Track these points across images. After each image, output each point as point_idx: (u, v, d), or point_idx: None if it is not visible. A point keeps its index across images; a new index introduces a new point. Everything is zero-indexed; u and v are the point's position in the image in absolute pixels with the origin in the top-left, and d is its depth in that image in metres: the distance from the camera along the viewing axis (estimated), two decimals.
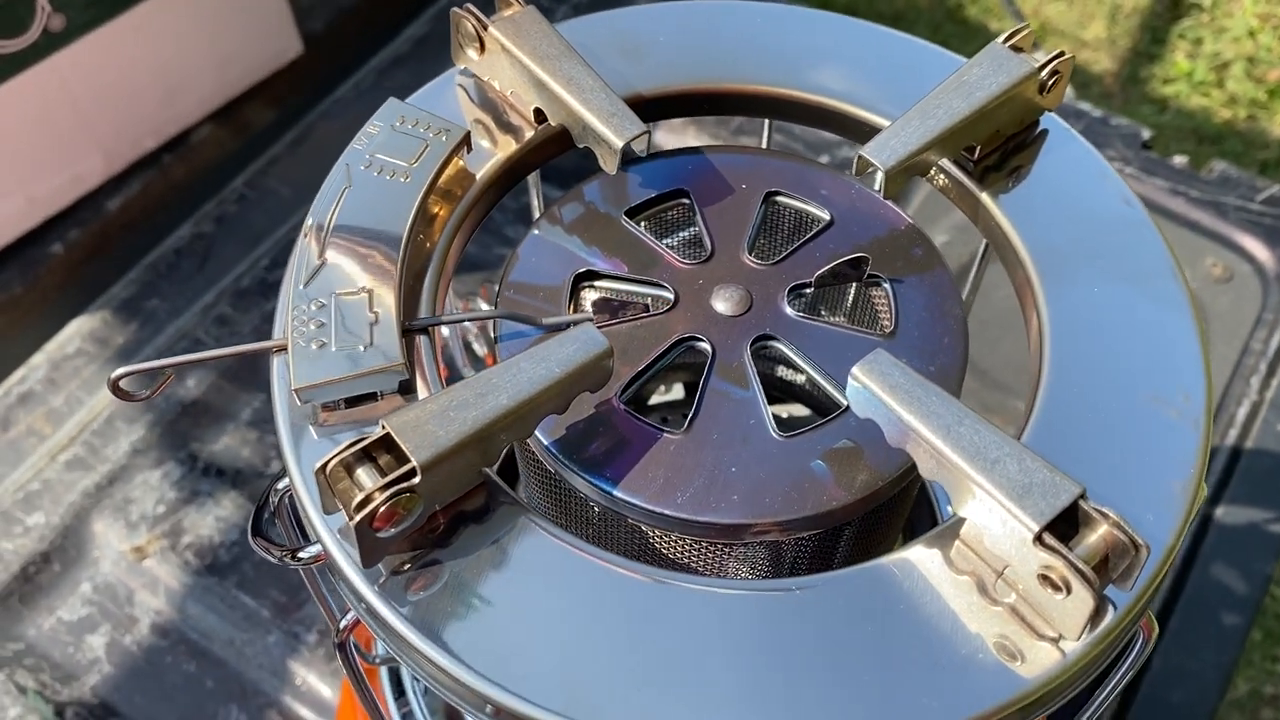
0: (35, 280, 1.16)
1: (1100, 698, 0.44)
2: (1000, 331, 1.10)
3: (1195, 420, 0.43)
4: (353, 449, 0.38)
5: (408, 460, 0.38)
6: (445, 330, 0.70)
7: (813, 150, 1.29)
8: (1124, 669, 0.44)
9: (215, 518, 1.05)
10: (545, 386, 0.40)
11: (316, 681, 0.97)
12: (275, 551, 0.44)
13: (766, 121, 0.60)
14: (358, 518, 0.37)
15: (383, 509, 0.37)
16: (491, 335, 0.48)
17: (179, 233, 1.23)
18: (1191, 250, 1.20)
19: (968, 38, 1.89)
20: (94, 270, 1.20)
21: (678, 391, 0.70)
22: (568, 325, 0.47)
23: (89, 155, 1.18)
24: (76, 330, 1.15)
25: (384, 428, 0.39)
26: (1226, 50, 1.95)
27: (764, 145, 0.61)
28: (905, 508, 0.52)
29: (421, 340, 0.45)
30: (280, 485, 0.45)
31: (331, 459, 0.38)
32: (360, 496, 0.37)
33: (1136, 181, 1.24)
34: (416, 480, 0.38)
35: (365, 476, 0.38)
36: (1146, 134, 1.33)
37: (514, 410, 0.40)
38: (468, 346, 0.76)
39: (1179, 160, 1.30)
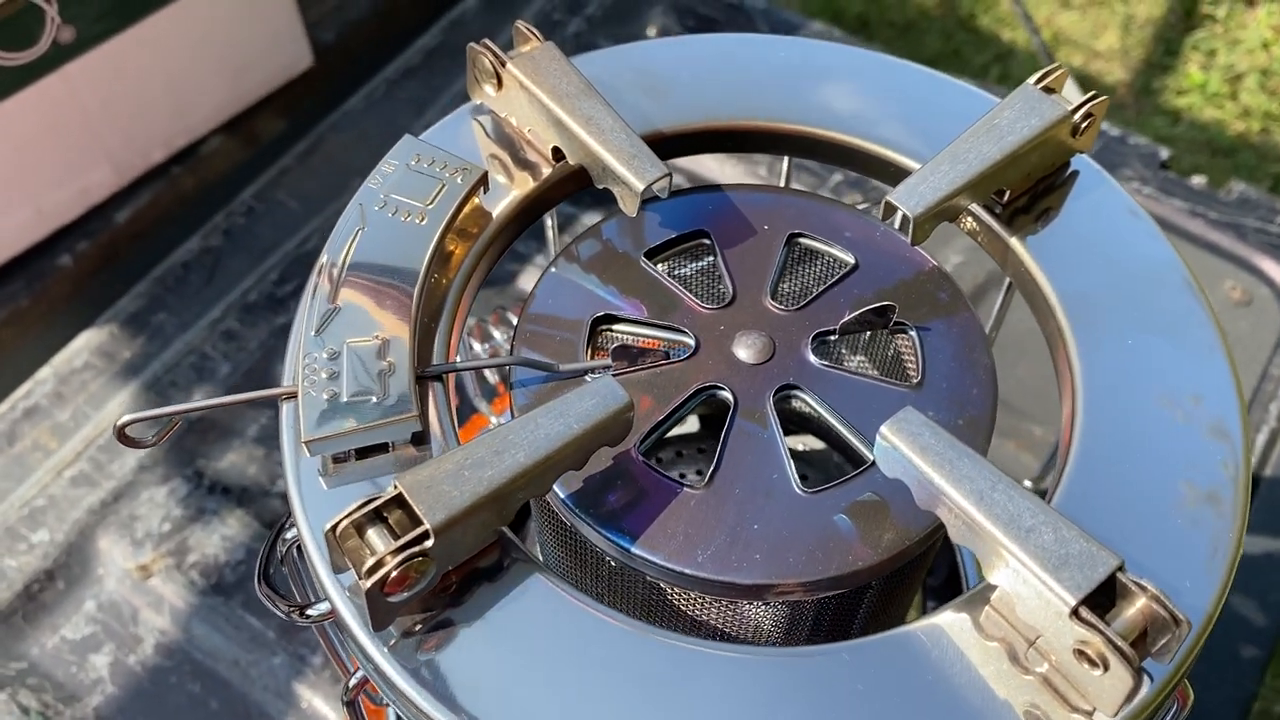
0: (43, 293, 1.16)
1: None
2: (1017, 355, 1.08)
3: (1233, 484, 0.42)
4: (363, 510, 0.37)
5: (420, 522, 0.37)
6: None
7: (817, 178, 1.27)
8: None
9: (221, 536, 1.04)
10: (564, 443, 0.39)
11: (321, 704, 0.95)
12: (282, 606, 0.43)
13: (787, 159, 0.59)
14: (369, 583, 0.36)
15: (395, 574, 0.36)
16: (508, 374, 0.47)
17: (187, 245, 1.22)
18: (1210, 273, 1.18)
19: (980, 46, 1.88)
20: (102, 283, 1.19)
21: (693, 423, 0.68)
22: (585, 373, 0.45)
23: (98, 167, 1.17)
24: (84, 344, 1.14)
25: (396, 488, 0.37)
26: (1240, 62, 1.93)
27: (783, 183, 0.59)
28: (927, 564, 0.51)
29: (436, 388, 0.44)
30: (289, 535, 0.44)
31: (342, 520, 0.37)
32: (372, 561, 0.36)
33: (1155, 202, 1.23)
34: (430, 544, 0.37)
35: (376, 538, 0.37)
36: (1165, 154, 1.32)
37: (531, 469, 0.39)
38: (480, 376, 0.75)
39: (1197, 180, 1.29)
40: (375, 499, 0.37)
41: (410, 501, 0.37)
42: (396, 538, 0.37)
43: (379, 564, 0.36)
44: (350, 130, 1.31)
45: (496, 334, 0.76)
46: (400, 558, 0.36)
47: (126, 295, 1.18)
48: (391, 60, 1.37)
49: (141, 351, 1.14)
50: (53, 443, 1.08)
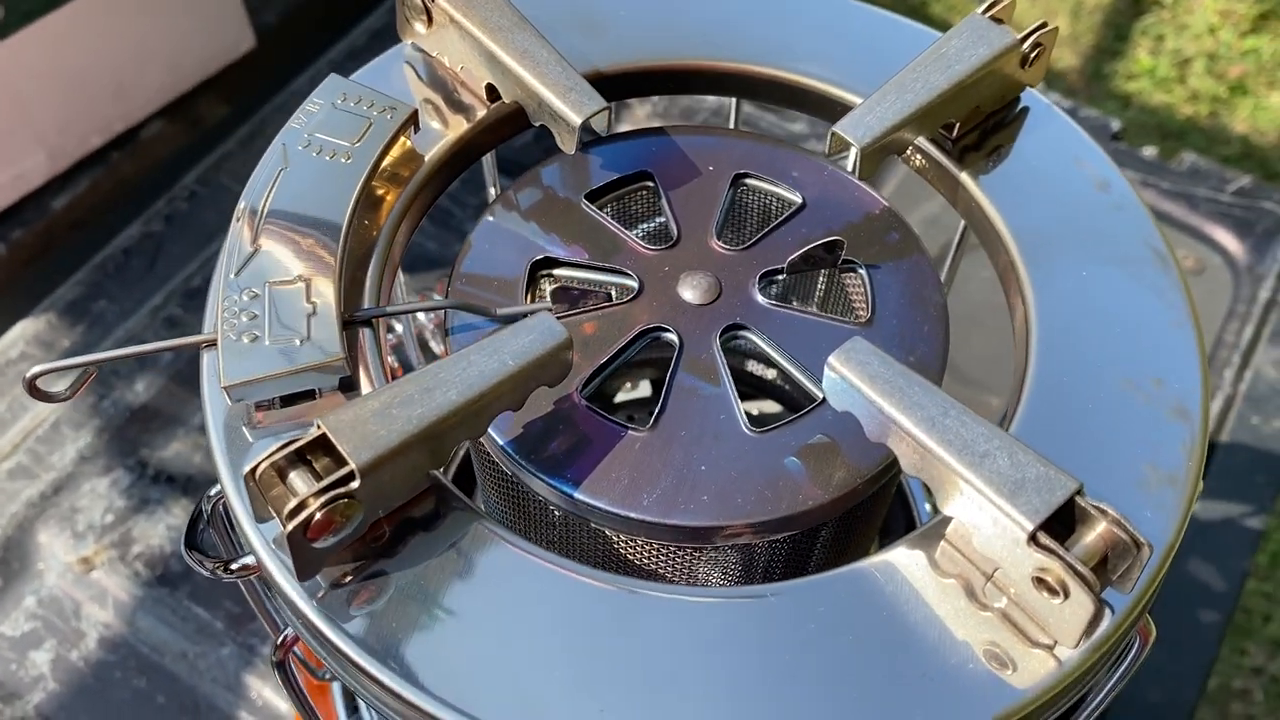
0: None
1: (1093, 705, 0.41)
2: (971, 325, 1.08)
3: (1191, 411, 0.41)
4: (284, 451, 0.35)
5: (345, 463, 0.35)
6: (399, 326, 0.66)
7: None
8: (1119, 675, 0.41)
9: (166, 526, 1.01)
10: (498, 380, 0.37)
11: (272, 696, 0.93)
12: (207, 564, 0.41)
13: (733, 101, 0.57)
14: (290, 526, 0.34)
15: (319, 516, 0.34)
16: (445, 330, 0.45)
17: (128, 232, 1.19)
18: None
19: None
20: (39, 272, 1.15)
21: (644, 389, 0.67)
22: (524, 316, 0.44)
23: (32, 153, 1.14)
24: (20, 334, 1.10)
25: (319, 427, 0.35)
26: (1188, 47, 1.95)
27: (732, 125, 0.58)
28: (883, 507, 0.50)
29: (366, 335, 0.42)
30: (213, 492, 0.42)
31: (262, 462, 0.35)
32: (294, 503, 0.34)
33: None
34: (355, 485, 0.35)
35: (299, 481, 0.35)
36: (1116, 125, 1.32)
37: (464, 406, 0.37)
38: (424, 345, 0.73)
39: (1149, 152, 1.29)
40: (296, 440, 0.35)
41: (334, 441, 0.35)
42: (320, 480, 0.35)
43: (301, 505, 0.34)
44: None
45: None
46: (324, 499, 0.34)
47: (65, 284, 1.15)
48: (336, 42, 1.34)
49: (81, 340, 1.11)
50: None
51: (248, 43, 1.27)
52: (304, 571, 0.36)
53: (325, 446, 0.36)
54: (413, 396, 0.36)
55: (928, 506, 0.61)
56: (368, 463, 0.35)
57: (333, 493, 0.34)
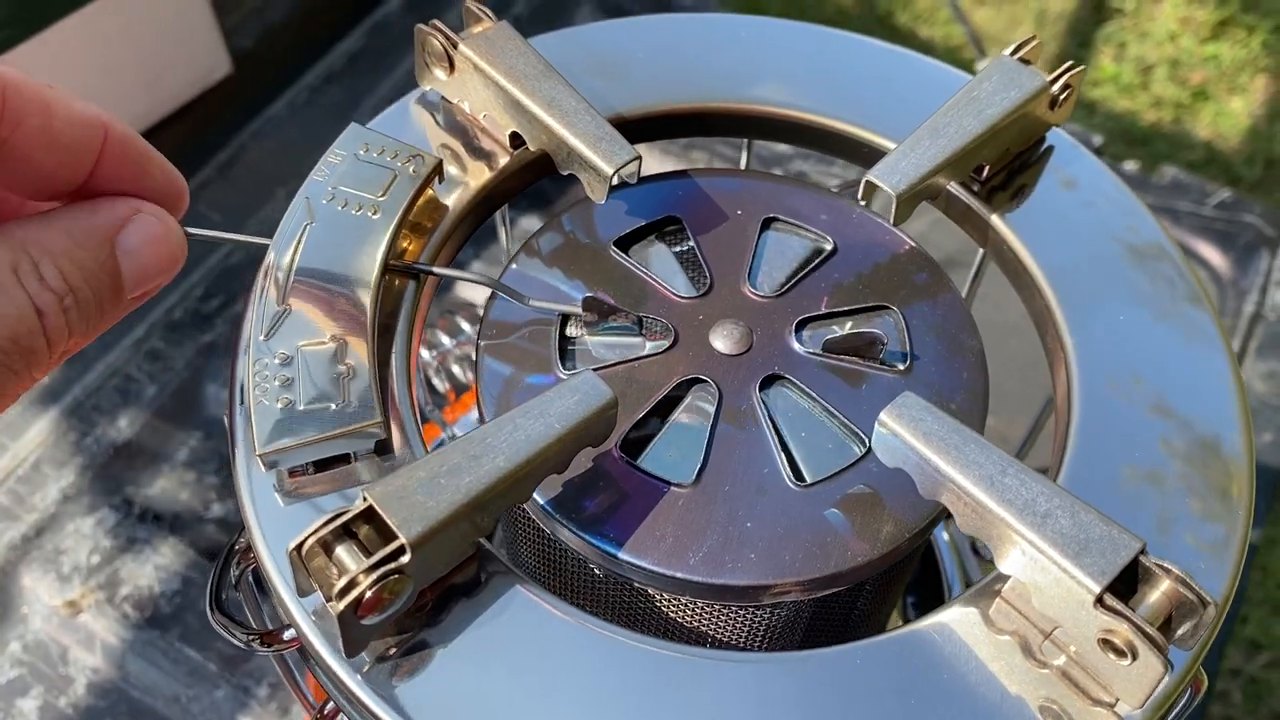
0: None
1: None
2: None
3: (1238, 457, 0.40)
4: (330, 526, 0.34)
5: (395, 537, 0.34)
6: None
7: (762, 164, 1.26)
8: None
9: (155, 566, 0.99)
10: (545, 444, 0.36)
11: None
12: (240, 635, 0.39)
13: (745, 141, 0.56)
14: (341, 606, 0.33)
15: (369, 594, 0.33)
16: (462, 375, 0.44)
17: None
18: None
19: (898, 44, 1.89)
20: None
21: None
22: (556, 311, 0.43)
23: None
24: None
25: (366, 500, 0.34)
26: (1150, 54, 1.97)
27: (744, 166, 0.57)
28: (916, 560, 0.49)
29: (398, 388, 0.41)
30: (239, 550, 0.41)
31: (307, 538, 0.33)
32: (343, 582, 0.33)
33: None
34: (406, 559, 0.33)
35: (346, 556, 0.34)
36: (1098, 140, 1.33)
37: (512, 473, 0.36)
38: (427, 382, 0.72)
39: (1130, 166, 1.30)
40: (343, 513, 0.34)
41: (382, 514, 0.34)
42: (368, 554, 0.33)
43: (351, 584, 0.33)
44: (272, 138, 1.26)
45: (445, 340, 0.73)
46: (374, 576, 0.33)
47: None
48: (313, 65, 1.32)
49: (60, 375, 1.08)
50: None
51: (224, 68, 1.26)
52: (352, 649, 0.34)
53: (371, 517, 0.34)
54: (460, 465, 0.35)
55: (955, 568, 0.61)
56: (418, 536, 0.33)
57: (383, 569, 0.33)
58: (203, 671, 0.94)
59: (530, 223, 1.13)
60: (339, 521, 0.34)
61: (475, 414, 0.63)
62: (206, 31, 1.21)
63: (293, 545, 0.34)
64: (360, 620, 0.34)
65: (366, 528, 0.35)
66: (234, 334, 0.42)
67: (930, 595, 0.63)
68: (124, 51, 1.15)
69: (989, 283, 0.54)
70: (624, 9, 1.39)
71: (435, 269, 0.44)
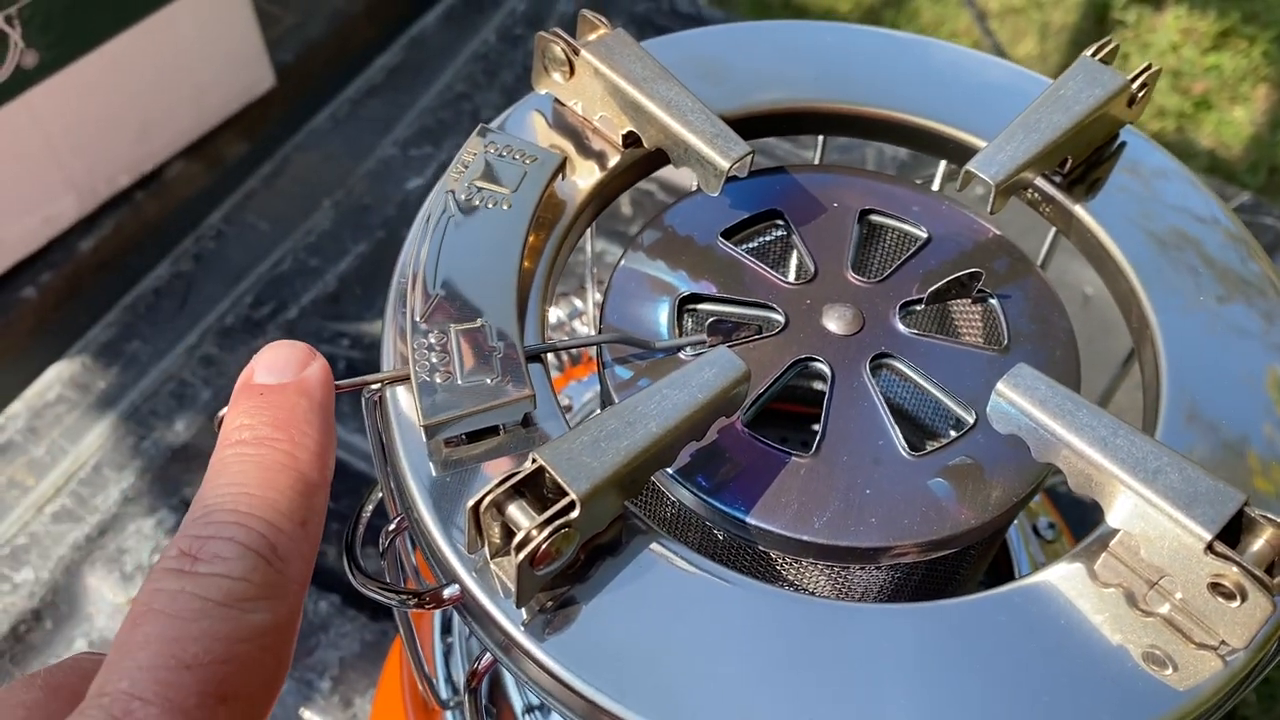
0: (7, 326, 1.12)
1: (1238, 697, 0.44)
2: None
3: None
4: (504, 486, 0.37)
5: (564, 494, 0.37)
6: None
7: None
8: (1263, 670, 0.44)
9: None
10: (690, 412, 0.39)
11: None
12: (394, 595, 0.42)
13: (821, 139, 0.60)
14: (519, 558, 0.36)
15: (544, 547, 0.36)
16: (597, 362, 0.47)
17: (157, 272, 1.19)
18: None
19: None
20: (69, 314, 1.16)
21: None
22: (680, 349, 0.46)
23: (62, 195, 1.14)
24: (56, 376, 1.10)
25: (535, 461, 0.37)
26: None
27: (817, 161, 0.60)
28: (1006, 531, 0.52)
29: (536, 367, 0.44)
30: (392, 527, 0.44)
31: (485, 496, 0.36)
32: (521, 534, 0.36)
33: None
34: (576, 514, 0.36)
35: (519, 513, 0.37)
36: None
37: (663, 438, 0.39)
38: None
39: None
40: (516, 473, 0.37)
41: (553, 472, 0.37)
42: (541, 511, 0.36)
43: (527, 538, 0.36)
44: (316, 150, 1.29)
45: (557, 313, 0.76)
46: (550, 529, 0.36)
47: (97, 325, 1.15)
48: (353, 79, 1.36)
49: (117, 381, 1.11)
50: (30, 479, 1.05)
51: (268, 81, 1.29)
52: (523, 599, 0.37)
53: (536, 479, 0.37)
54: (618, 430, 0.38)
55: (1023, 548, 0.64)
56: (587, 492, 0.36)
57: (558, 522, 0.36)
58: None
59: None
60: (512, 481, 0.37)
61: (574, 384, 0.66)
62: (252, 46, 1.25)
63: (470, 503, 0.36)
64: (534, 571, 0.37)
65: (533, 489, 0.38)
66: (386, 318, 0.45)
67: (998, 574, 0.66)
68: (174, 65, 1.18)
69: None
70: (653, 21, 1.43)
71: (557, 345, 0.45)
